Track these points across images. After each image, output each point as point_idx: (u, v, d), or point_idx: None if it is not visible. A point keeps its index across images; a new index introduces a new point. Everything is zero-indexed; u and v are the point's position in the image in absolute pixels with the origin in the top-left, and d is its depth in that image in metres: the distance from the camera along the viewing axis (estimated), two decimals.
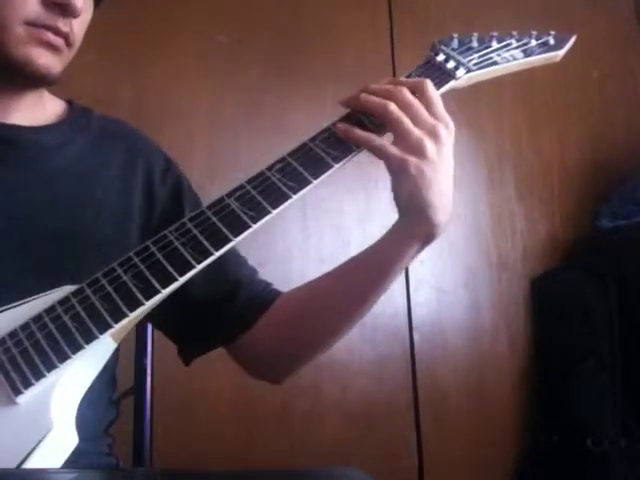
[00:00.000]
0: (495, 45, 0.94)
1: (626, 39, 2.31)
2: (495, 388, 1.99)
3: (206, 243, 0.75)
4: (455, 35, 0.93)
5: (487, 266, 2.05)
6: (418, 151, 0.79)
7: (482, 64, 0.92)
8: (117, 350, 0.91)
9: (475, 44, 0.93)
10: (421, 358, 1.94)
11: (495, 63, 0.92)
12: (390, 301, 1.94)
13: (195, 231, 0.75)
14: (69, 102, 1.02)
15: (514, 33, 0.96)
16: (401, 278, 1.96)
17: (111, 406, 0.98)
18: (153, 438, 1.19)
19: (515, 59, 0.94)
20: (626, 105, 2.27)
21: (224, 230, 0.75)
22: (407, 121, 0.79)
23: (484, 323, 2.02)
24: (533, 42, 0.96)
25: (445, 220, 0.83)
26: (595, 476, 1.83)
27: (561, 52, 0.97)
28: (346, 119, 0.83)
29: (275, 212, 0.77)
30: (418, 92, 0.82)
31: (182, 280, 0.74)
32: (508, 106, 2.12)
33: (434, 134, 0.80)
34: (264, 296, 0.98)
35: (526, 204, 2.11)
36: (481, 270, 2.04)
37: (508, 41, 0.95)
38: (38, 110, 0.96)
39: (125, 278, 0.73)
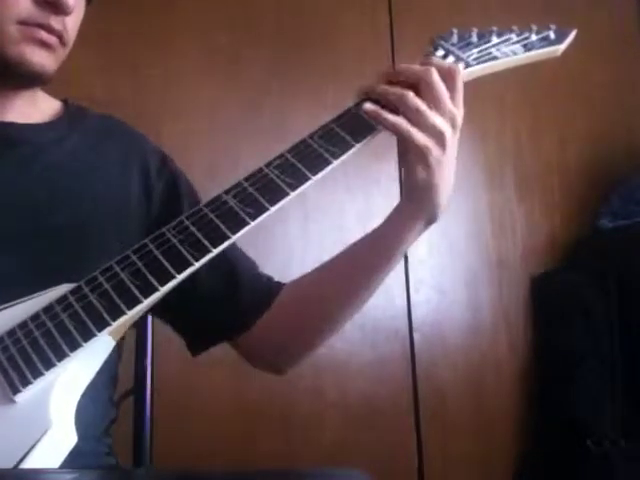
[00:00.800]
0: (495, 40, 0.94)
1: (627, 39, 2.31)
2: (495, 388, 1.99)
3: (204, 241, 0.75)
4: (455, 30, 0.93)
5: (487, 266, 2.05)
6: (440, 141, 0.81)
7: (482, 59, 0.91)
8: (118, 348, 0.91)
9: (475, 39, 0.93)
10: (421, 358, 1.94)
11: (495, 58, 0.92)
12: (390, 301, 1.94)
13: (193, 229, 0.75)
14: (64, 101, 1.02)
15: (514, 28, 0.95)
16: (401, 278, 1.96)
17: (111, 406, 0.98)
18: (153, 438, 1.19)
19: (515, 54, 0.93)
20: (626, 105, 2.27)
21: (222, 227, 0.75)
22: (429, 114, 0.81)
23: (484, 323, 2.02)
24: (533, 37, 0.96)
25: (445, 204, 0.86)
26: (595, 476, 1.82)
27: (562, 46, 0.96)
28: (343, 116, 0.83)
29: (273, 209, 0.77)
30: (447, 78, 0.83)
31: (180, 278, 0.74)
32: (509, 106, 2.12)
33: (454, 124, 0.83)
34: (267, 290, 0.99)
35: (526, 204, 2.11)
36: (481, 270, 2.04)
37: (508, 36, 0.94)
38: (33, 109, 0.96)
39: (123, 276, 0.73)
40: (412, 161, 0.83)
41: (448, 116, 0.82)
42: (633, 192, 2.03)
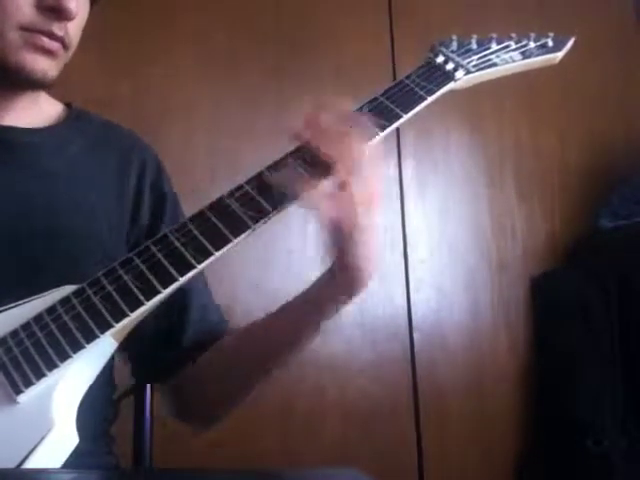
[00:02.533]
0: (494, 47, 0.95)
1: (626, 39, 2.31)
2: (495, 388, 1.99)
3: (207, 243, 0.75)
4: (454, 37, 0.94)
5: (487, 266, 2.05)
6: (353, 215, 0.75)
7: (481, 65, 0.92)
8: (124, 352, 0.92)
9: (474, 46, 0.94)
10: (421, 358, 1.94)
11: (494, 65, 0.93)
12: (390, 301, 1.94)
13: (195, 232, 0.76)
14: (68, 105, 1.02)
15: (513, 35, 0.96)
16: (401, 278, 1.96)
17: (111, 406, 0.99)
18: (153, 438, 1.19)
19: (514, 61, 0.95)
20: (626, 105, 2.27)
21: (224, 231, 0.75)
22: (354, 182, 0.74)
23: (484, 323, 2.02)
24: (532, 44, 0.97)
25: (371, 275, 0.80)
26: (595, 476, 1.82)
27: (560, 54, 0.98)
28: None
29: (276, 212, 0.77)
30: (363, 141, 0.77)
31: (182, 280, 0.74)
32: (509, 106, 2.12)
33: (373, 194, 0.76)
34: (209, 331, 0.98)
35: (526, 204, 2.11)
36: (481, 270, 2.04)
37: (507, 43, 0.96)
38: (35, 112, 0.96)
39: (126, 278, 0.73)
40: (327, 237, 0.79)
41: (369, 189, 0.75)
42: (633, 192, 2.03)
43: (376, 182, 0.77)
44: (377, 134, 0.81)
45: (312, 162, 0.77)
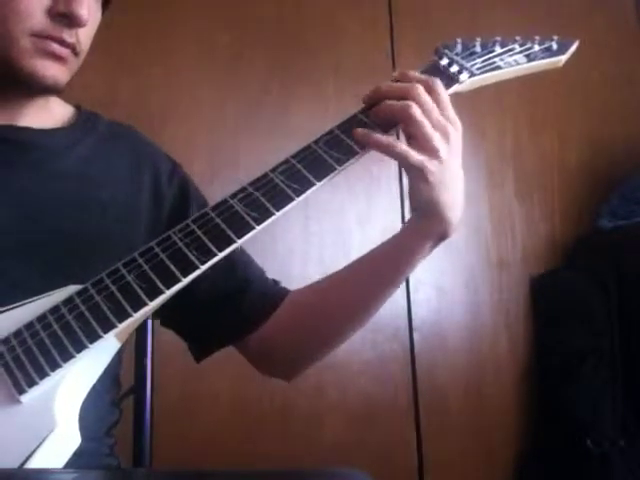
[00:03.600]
0: (498, 50, 0.95)
1: (626, 39, 2.31)
2: (495, 388, 1.99)
3: (210, 244, 0.75)
4: (459, 40, 0.94)
5: (487, 266, 2.05)
6: (435, 155, 0.79)
7: (485, 68, 0.92)
8: (120, 352, 0.92)
9: (478, 49, 0.94)
10: (421, 358, 1.94)
11: (498, 67, 0.93)
12: (390, 301, 1.92)
13: (199, 232, 0.76)
14: (77, 107, 1.03)
15: (517, 38, 0.97)
16: None
17: (113, 408, 0.99)
18: (153, 438, 1.19)
19: (518, 64, 0.95)
20: (626, 105, 2.27)
21: (228, 231, 0.76)
22: (428, 124, 0.79)
23: (484, 323, 2.02)
24: (536, 47, 0.97)
25: (458, 218, 0.85)
26: (595, 476, 1.82)
27: (564, 57, 0.98)
28: (348, 122, 0.83)
29: (279, 214, 0.77)
30: (431, 91, 0.82)
31: (185, 281, 0.74)
32: (509, 106, 2.12)
33: (447, 137, 0.80)
34: (273, 295, 0.99)
35: (526, 204, 2.11)
36: (481, 270, 2.04)
37: (511, 46, 0.96)
38: (46, 114, 0.97)
39: (129, 278, 0.73)
40: (412, 179, 0.81)
41: (440, 130, 0.80)
42: (633, 192, 2.03)
43: (451, 123, 0.81)
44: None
45: (380, 117, 0.82)
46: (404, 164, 0.80)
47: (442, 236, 0.86)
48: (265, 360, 1.01)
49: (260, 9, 1.97)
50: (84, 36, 0.90)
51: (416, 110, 0.79)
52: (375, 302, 0.93)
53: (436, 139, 0.79)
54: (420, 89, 0.80)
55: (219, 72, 1.90)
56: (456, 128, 0.82)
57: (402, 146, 0.79)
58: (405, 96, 0.80)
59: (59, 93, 0.93)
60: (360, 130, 0.81)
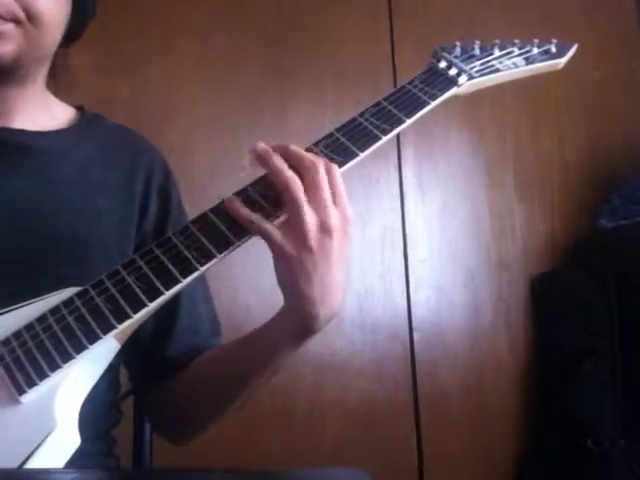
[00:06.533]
0: (497, 53, 0.95)
1: (627, 39, 2.31)
2: (495, 388, 1.99)
3: (209, 246, 0.75)
4: (457, 43, 0.94)
5: (487, 266, 2.05)
6: (302, 243, 0.72)
7: (484, 71, 0.93)
8: (120, 353, 0.91)
9: (477, 52, 0.95)
10: (421, 358, 1.94)
11: (497, 70, 0.94)
12: (390, 301, 1.95)
13: (198, 234, 0.76)
14: (80, 108, 1.01)
15: (516, 41, 0.97)
16: (401, 278, 1.96)
17: (114, 409, 0.99)
18: (153, 438, 1.19)
19: (517, 66, 0.95)
20: (626, 105, 2.27)
21: (227, 233, 0.76)
22: (305, 209, 0.72)
23: (484, 323, 2.02)
24: (535, 50, 0.98)
25: (328, 315, 0.76)
26: (595, 476, 1.82)
27: (563, 60, 0.99)
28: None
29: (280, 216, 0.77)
30: (328, 175, 0.75)
31: (185, 282, 0.74)
32: (509, 106, 2.12)
33: (327, 226, 0.73)
34: (191, 348, 0.96)
35: (526, 204, 2.11)
36: (481, 270, 2.04)
37: (510, 49, 0.96)
38: (45, 115, 0.95)
39: (129, 280, 0.74)
40: (274, 260, 0.75)
41: (322, 217, 0.72)
42: (633, 192, 2.03)
43: (335, 213, 0.74)
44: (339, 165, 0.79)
45: (271, 194, 0.76)
46: (272, 248, 0.74)
47: (305, 330, 0.77)
48: (160, 414, 1.00)
49: (260, 9, 1.97)
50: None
51: (296, 191, 0.72)
52: (241, 387, 0.87)
53: (309, 228, 0.72)
54: (320, 167, 0.74)
55: (218, 72, 1.90)
56: (344, 219, 0.74)
57: (265, 224, 0.73)
58: (304, 170, 0.74)
59: (16, 70, 0.86)
60: (231, 201, 0.76)
